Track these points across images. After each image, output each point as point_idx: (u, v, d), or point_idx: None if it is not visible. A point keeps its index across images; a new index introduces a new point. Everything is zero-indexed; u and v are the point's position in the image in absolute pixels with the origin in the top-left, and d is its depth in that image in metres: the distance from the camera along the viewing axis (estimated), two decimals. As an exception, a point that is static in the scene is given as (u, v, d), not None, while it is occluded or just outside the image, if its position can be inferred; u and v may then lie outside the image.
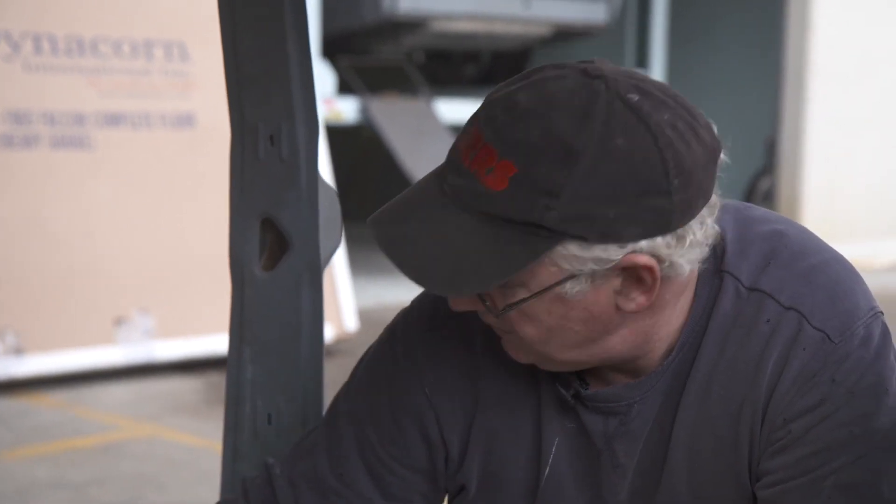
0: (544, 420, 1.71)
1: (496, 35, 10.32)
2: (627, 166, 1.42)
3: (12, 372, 6.14)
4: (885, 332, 1.57)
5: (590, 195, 1.42)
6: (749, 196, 11.98)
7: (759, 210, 1.70)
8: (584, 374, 1.68)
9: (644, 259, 1.47)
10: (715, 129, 1.54)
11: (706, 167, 1.46)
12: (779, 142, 11.42)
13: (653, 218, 1.44)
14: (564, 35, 10.54)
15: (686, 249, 1.48)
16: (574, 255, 1.47)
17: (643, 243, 1.45)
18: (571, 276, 1.49)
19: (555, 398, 1.70)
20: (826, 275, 1.59)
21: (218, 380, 6.26)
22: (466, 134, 1.52)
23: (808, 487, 1.56)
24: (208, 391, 6.23)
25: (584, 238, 1.44)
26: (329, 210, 1.96)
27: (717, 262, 1.59)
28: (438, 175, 1.54)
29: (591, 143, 1.41)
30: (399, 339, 1.78)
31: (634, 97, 1.44)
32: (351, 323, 7.19)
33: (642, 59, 11.42)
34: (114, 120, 6.77)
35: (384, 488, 1.75)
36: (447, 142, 9.34)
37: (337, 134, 8.29)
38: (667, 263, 1.47)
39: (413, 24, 9.59)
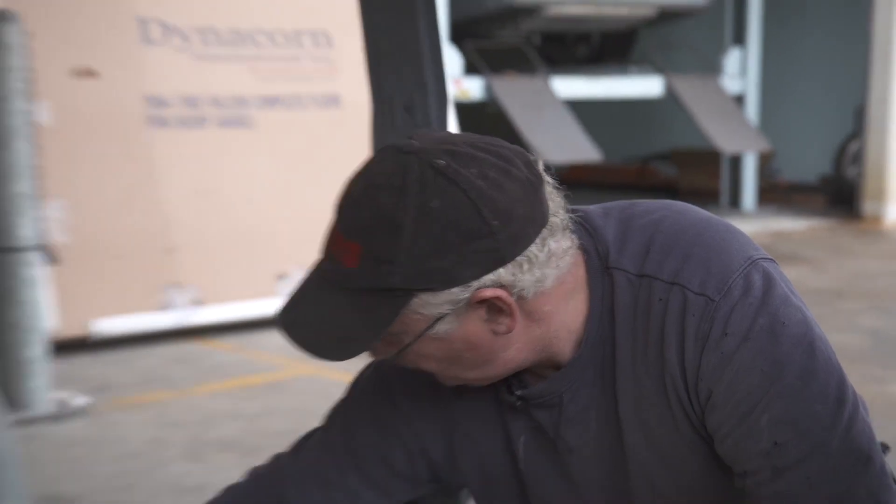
0: (508, 423, 1.78)
1: (605, 17, 10.19)
2: (446, 222, 1.49)
3: (194, 321, 6.31)
4: (768, 274, 1.61)
5: (421, 254, 1.49)
6: (840, 157, 11.71)
7: (641, 205, 1.73)
8: (523, 375, 1.75)
9: (489, 292, 1.53)
10: (538, 161, 1.59)
11: (527, 199, 1.53)
12: (867, 108, 11.08)
13: (484, 258, 1.51)
14: (667, 16, 10.39)
15: (530, 271, 1.54)
16: (429, 302, 1.54)
17: (486, 279, 1.52)
18: (438, 319, 1.56)
19: (509, 403, 1.76)
20: (699, 245, 1.63)
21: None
22: (330, 227, 1.63)
23: (749, 432, 1.58)
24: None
25: (431, 288, 1.53)
26: None
27: (602, 262, 1.65)
28: (318, 264, 1.64)
29: (410, 211, 1.49)
30: (382, 375, 1.88)
31: (442, 162, 1.51)
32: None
33: (740, 36, 11.11)
34: (270, 102, 6.87)
35: (369, 482, 1.84)
36: (562, 115, 9.49)
37: (465, 110, 8.25)
38: (517, 288, 1.54)
39: (530, 10, 9.57)
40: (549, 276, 1.57)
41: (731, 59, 11.04)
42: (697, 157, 11.87)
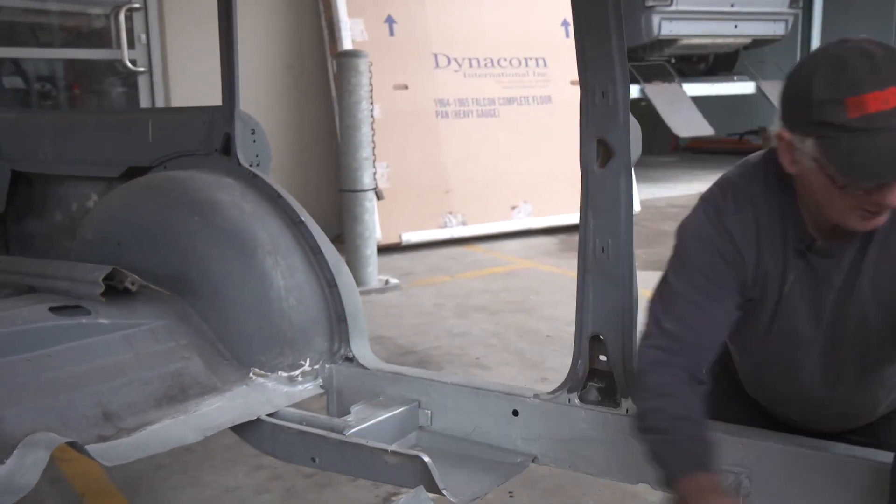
0: (788, 260, 1.50)
1: (717, 45, 9.79)
2: None
3: (461, 233, 6.36)
4: None
5: None
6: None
7: None
8: (814, 235, 1.47)
9: None
10: None
11: None
12: None
13: None
14: (759, 42, 9.88)
15: None
16: None
17: None
18: None
19: (794, 249, 1.49)
20: None
21: (566, 237, 6.34)
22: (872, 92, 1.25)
23: None
24: (561, 244, 6.27)
25: None
26: (634, 135, 1.83)
27: None
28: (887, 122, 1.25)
29: None
30: (712, 220, 1.53)
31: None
32: (636, 205, 7.07)
33: (807, 53, 10.65)
34: (509, 101, 6.80)
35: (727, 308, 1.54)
36: (689, 106, 9.13)
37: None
38: None
39: (670, 42, 9.24)
40: None
41: (801, 68, 10.46)
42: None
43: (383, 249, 5.73)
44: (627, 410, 1.91)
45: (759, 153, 1.62)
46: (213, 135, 2.56)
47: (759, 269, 1.52)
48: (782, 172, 1.46)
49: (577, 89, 1.92)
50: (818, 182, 1.37)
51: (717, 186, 1.58)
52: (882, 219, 1.37)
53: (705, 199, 1.59)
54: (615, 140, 1.85)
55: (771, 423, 1.82)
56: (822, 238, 1.48)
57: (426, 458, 1.80)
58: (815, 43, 10.63)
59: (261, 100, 6.05)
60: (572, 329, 1.96)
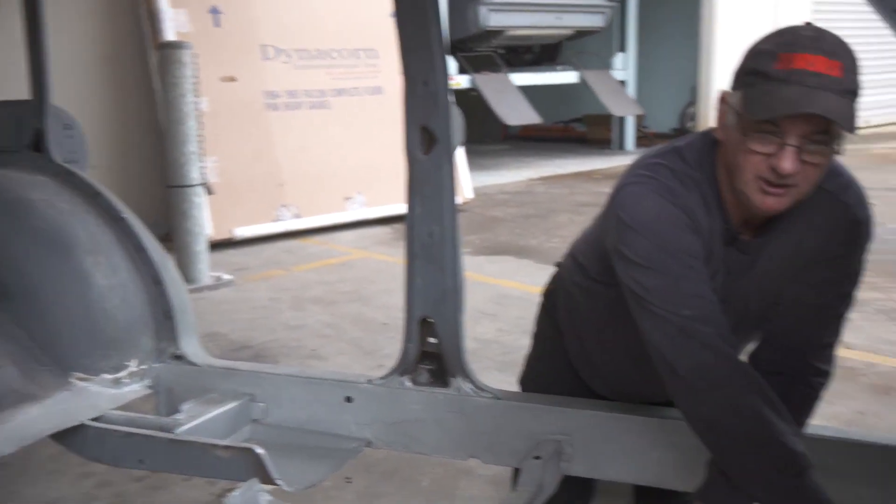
0: (716, 248, 1.51)
1: (542, 36, 10.12)
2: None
3: (295, 226, 6.27)
4: None
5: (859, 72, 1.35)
6: (682, 117, 11.72)
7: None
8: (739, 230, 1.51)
9: None
10: None
11: None
12: (698, 85, 11.12)
13: None
14: (580, 33, 10.27)
15: None
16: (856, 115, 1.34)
17: None
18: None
19: (722, 238, 1.51)
20: None
21: (399, 227, 6.38)
22: (800, 56, 1.31)
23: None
24: (395, 233, 6.28)
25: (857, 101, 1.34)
26: (456, 122, 1.88)
27: None
28: (803, 79, 1.30)
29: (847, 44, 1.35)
30: (671, 201, 1.47)
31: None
32: (469, 193, 7.20)
33: (622, 45, 11.13)
34: (340, 93, 6.74)
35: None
36: (517, 95, 9.39)
37: (458, 94, 8.22)
38: None
39: (497, 32, 9.46)
40: None
41: (618, 59, 10.95)
42: (599, 119, 11.75)
43: (216, 245, 5.59)
44: (459, 389, 1.98)
45: (684, 142, 1.58)
46: (22, 131, 2.43)
47: (704, 247, 1.51)
48: (712, 161, 1.51)
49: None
50: (734, 141, 1.41)
51: (654, 173, 1.51)
52: (780, 200, 1.40)
53: (651, 187, 1.49)
54: (438, 127, 1.91)
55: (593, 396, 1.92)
56: (744, 232, 1.52)
57: (259, 450, 1.79)
58: (631, 34, 11.15)
59: (78, 93, 5.75)
60: None
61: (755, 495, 1.43)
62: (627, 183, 1.53)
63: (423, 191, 1.95)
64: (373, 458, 2.49)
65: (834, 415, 2.82)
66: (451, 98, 1.91)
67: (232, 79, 6.19)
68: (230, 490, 1.72)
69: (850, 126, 1.31)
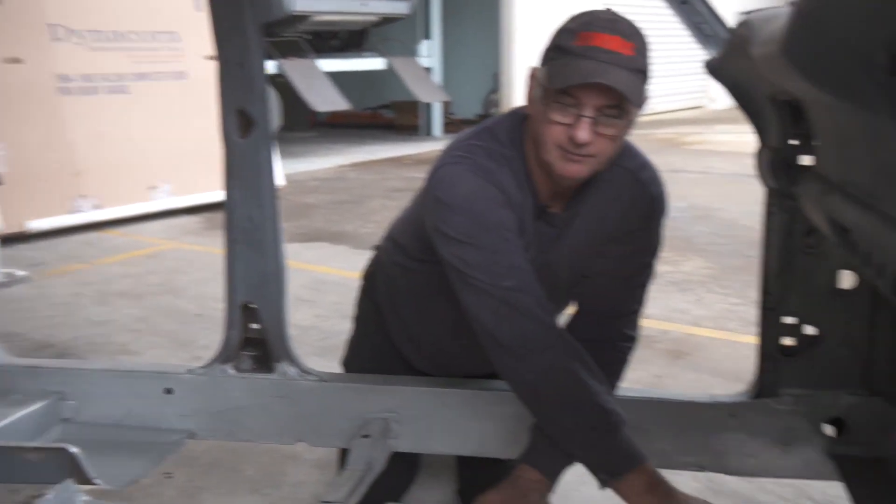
0: (527, 221, 1.58)
1: (347, 22, 10.09)
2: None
3: (96, 218, 5.96)
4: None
5: (649, 56, 1.48)
6: (486, 103, 12.08)
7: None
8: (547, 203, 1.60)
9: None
10: None
11: None
12: (500, 73, 11.49)
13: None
14: (387, 20, 10.35)
15: None
16: (645, 93, 1.46)
17: None
18: (638, 106, 1.47)
19: (532, 212, 1.59)
20: None
21: (210, 216, 6.21)
22: (599, 37, 1.43)
23: None
24: (206, 222, 6.11)
25: (648, 82, 1.46)
26: (273, 105, 1.93)
27: None
28: (598, 55, 1.42)
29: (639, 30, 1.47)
30: (485, 178, 1.53)
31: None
32: (281, 180, 7.10)
33: (427, 33, 11.35)
34: (141, 77, 6.43)
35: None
36: (325, 82, 9.33)
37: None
38: None
39: (302, 18, 9.34)
40: None
41: (423, 46, 11.12)
42: (406, 105, 11.88)
43: (7, 240, 5.19)
44: (284, 374, 1.97)
45: (495, 121, 1.65)
46: None
47: (517, 221, 1.57)
48: (521, 138, 1.58)
49: (212, 64, 1.91)
50: (539, 114, 1.50)
51: (468, 153, 1.56)
52: (580, 168, 1.49)
53: (465, 167, 1.54)
54: (255, 110, 1.89)
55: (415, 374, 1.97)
56: (553, 206, 1.61)
57: (73, 449, 1.71)
58: (436, 21, 11.35)
59: None
60: (222, 306, 1.95)
61: (575, 453, 1.52)
62: (444, 164, 1.58)
63: (242, 175, 1.93)
64: (194, 451, 2.43)
65: (635, 379, 3.02)
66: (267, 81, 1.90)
67: (17, 60, 5.76)
68: (36, 496, 1.62)
69: (638, 100, 1.45)
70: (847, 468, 1.70)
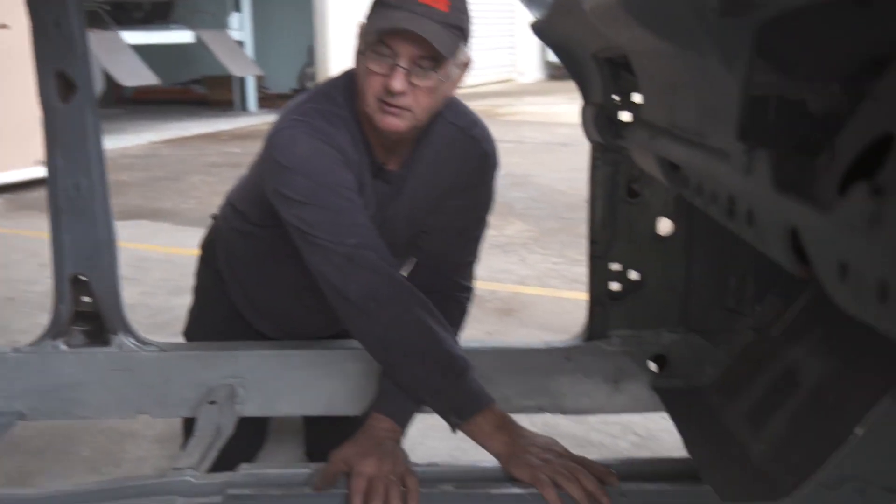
0: (365, 179, 1.60)
1: (153, -7, 9.78)
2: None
3: None
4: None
5: (469, 18, 1.52)
6: (301, 77, 11.98)
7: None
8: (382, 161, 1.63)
9: (467, 60, 1.55)
10: None
11: None
12: (315, 48, 11.45)
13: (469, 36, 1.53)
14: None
15: None
16: (462, 49, 1.52)
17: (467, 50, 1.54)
18: (456, 65, 1.52)
19: (369, 171, 1.61)
20: None
21: (13, 196, 5.80)
22: None
23: None
24: (8, 203, 5.70)
25: (466, 41, 1.52)
26: (96, 68, 1.85)
27: None
28: (413, 7, 1.45)
29: None
30: (322, 140, 1.54)
31: None
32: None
33: (237, 5, 11.11)
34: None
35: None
36: (130, 55, 8.88)
37: None
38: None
39: (100, -13, 8.91)
40: None
41: (234, 19, 10.86)
42: (219, 80, 11.55)
43: None
44: (121, 346, 1.90)
45: (330, 84, 1.65)
46: None
47: (357, 180, 1.58)
48: (354, 98, 1.58)
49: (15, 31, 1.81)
50: (361, 67, 1.52)
51: (305, 116, 1.57)
52: (398, 121, 1.51)
53: (303, 129, 1.55)
54: (76, 73, 1.80)
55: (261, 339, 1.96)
56: (389, 164, 1.63)
57: None
58: (245, -6, 11.05)
59: None
60: (36, 289, 1.88)
61: (425, 399, 1.58)
62: (281, 128, 1.58)
63: (65, 142, 1.84)
64: (23, 435, 2.30)
65: (469, 337, 3.13)
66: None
67: None
68: None
69: (447, 51, 1.49)
70: (669, 399, 1.84)
